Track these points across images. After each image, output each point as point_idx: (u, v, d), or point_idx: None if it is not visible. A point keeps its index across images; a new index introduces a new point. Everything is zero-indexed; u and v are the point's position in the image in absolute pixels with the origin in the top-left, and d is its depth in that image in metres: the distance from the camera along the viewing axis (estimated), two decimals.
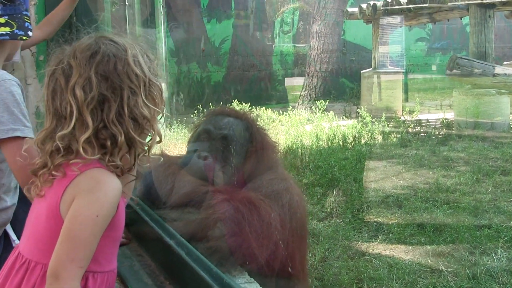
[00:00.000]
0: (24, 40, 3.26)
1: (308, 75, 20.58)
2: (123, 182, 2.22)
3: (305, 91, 20.34)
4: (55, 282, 1.99)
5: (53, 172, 2.10)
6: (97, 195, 2.05)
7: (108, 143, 2.08)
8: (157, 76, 2.26)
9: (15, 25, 3.18)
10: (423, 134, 12.85)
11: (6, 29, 3.15)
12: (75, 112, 2.04)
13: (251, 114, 3.96)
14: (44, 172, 2.12)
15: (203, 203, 3.17)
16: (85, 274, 2.09)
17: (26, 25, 3.20)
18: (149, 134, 2.21)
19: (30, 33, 3.22)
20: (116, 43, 2.16)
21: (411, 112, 15.17)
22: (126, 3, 10.88)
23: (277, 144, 3.96)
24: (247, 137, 3.68)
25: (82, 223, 2.01)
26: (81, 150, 2.04)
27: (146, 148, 2.20)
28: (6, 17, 3.18)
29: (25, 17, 3.26)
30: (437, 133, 12.83)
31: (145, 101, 2.14)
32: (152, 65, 2.24)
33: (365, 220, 7.29)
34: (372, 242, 6.64)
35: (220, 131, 3.64)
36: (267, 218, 3.15)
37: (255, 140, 3.68)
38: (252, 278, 2.83)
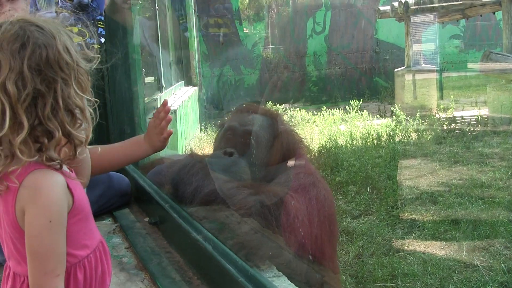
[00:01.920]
0: (95, 48, 3.16)
1: (340, 75, 20.62)
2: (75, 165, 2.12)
3: (338, 90, 20.39)
4: None
5: None
6: (40, 202, 1.92)
7: (45, 140, 1.94)
8: (85, 59, 2.09)
9: (87, 34, 3.10)
10: (458, 131, 12.78)
11: (79, 39, 3.09)
12: (8, 111, 1.86)
13: (277, 111, 4.01)
14: None
15: (229, 200, 3.22)
16: (81, 263, 2.08)
17: (99, 31, 3.10)
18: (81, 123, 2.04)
19: (102, 39, 3.16)
20: (43, 29, 1.97)
21: (445, 109, 15.08)
22: (157, 7, 11.02)
23: (303, 139, 4.00)
24: (272, 132, 3.72)
25: (38, 235, 1.92)
26: (17, 152, 1.88)
27: (83, 139, 2.03)
28: (79, 25, 3.06)
29: (99, 22, 3.16)
30: (471, 129, 12.76)
31: (76, 90, 1.99)
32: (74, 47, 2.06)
33: (399, 217, 7.30)
34: (407, 238, 6.66)
35: (246, 127, 3.69)
36: (294, 213, 3.19)
37: (281, 136, 3.72)
38: (280, 272, 2.84)
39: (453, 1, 14.97)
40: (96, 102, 2.11)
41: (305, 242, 3.24)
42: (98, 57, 2.16)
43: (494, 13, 16.73)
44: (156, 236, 3.70)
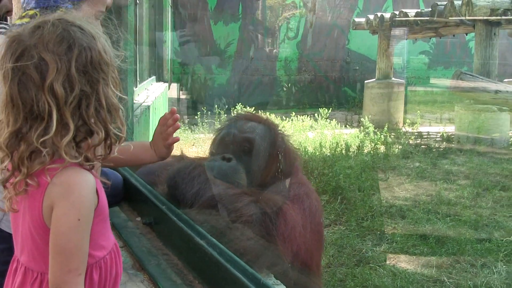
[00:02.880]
0: None
1: (309, 82, 20.78)
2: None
3: (306, 97, 20.55)
4: None
5: (28, 181, 1.94)
6: (71, 200, 1.92)
7: (88, 140, 1.97)
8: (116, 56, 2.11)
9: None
10: (423, 146, 12.99)
11: (26, 20, 2.86)
12: (54, 113, 1.87)
13: (273, 120, 4.10)
14: (19, 181, 1.96)
15: (230, 206, 3.29)
16: (97, 264, 2.09)
17: None
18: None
19: None
20: (83, 29, 1.99)
21: (412, 124, 15.31)
22: (137, 1, 11.00)
23: (298, 150, 4.10)
24: (269, 141, 3.79)
25: (66, 233, 1.93)
26: (63, 154, 1.91)
27: (119, 138, 2.08)
28: (38, 9, 2.95)
29: (61, 9, 2.89)
30: (437, 146, 12.98)
31: (113, 88, 2.03)
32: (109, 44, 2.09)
33: (369, 229, 7.44)
34: (376, 250, 6.79)
35: (244, 134, 3.74)
36: (292, 222, 3.29)
37: (277, 145, 3.80)
38: (278, 281, 2.89)
39: (427, 17, 15.15)
40: (125, 99, 2.15)
41: (300, 251, 3.34)
42: (123, 54, 2.18)
43: (466, 34, 17.00)
44: (150, 236, 3.70)
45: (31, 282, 2.06)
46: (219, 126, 4.27)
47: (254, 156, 3.70)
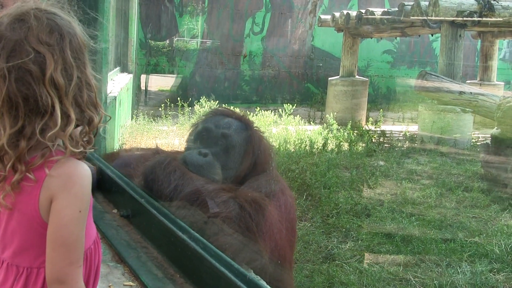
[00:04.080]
0: None
1: (273, 77, 20.79)
2: None
3: (269, 92, 20.56)
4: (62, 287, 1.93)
5: (28, 175, 1.89)
6: (73, 191, 1.90)
7: (86, 128, 1.95)
8: None
9: None
10: (387, 145, 13.07)
11: None
12: (57, 105, 1.85)
13: (249, 117, 4.10)
14: (17, 180, 1.89)
15: (209, 202, 3.27)
16: (84, 254, 2.02)
17: None
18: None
19: None
20: (61, 16, 1.95)
21: (374, 122, 15.38)
22: None
23: (272, 147, 4.10)
24: (245, 137, 3.79)
25: (68, 225, 1.90)
26: (68, 145, 1.88)
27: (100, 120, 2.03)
28: None
29: None
30: (400, 145, 13.06)
31: (91, 70, 2.00)
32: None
33: (334, 226, 7.45)
34: (342, 247, 6.81)
35: (221, 130, 3.75)
36: (271, 219, 3.28)
37: (253, 141, 3.80)
38: (258, 276, 2.89)
39: (394, 16, 15.22)
40: (99, 78, 2.11)
41: (277, 246, 3.34)
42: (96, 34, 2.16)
43: (432, 35, 17.13)
44: (128, 229, 3.69)
45: (16, 278, 2.00)
46: (195, 120, 4.25)
47: (230, 152, 3.72)
